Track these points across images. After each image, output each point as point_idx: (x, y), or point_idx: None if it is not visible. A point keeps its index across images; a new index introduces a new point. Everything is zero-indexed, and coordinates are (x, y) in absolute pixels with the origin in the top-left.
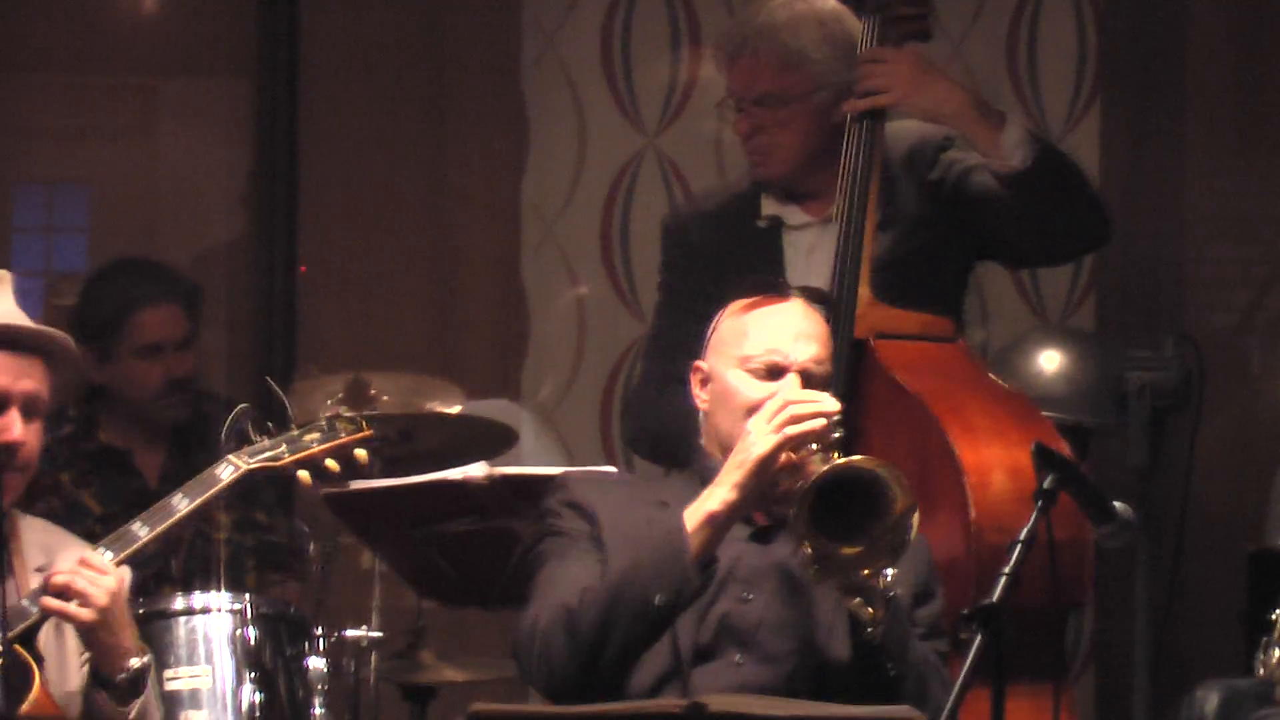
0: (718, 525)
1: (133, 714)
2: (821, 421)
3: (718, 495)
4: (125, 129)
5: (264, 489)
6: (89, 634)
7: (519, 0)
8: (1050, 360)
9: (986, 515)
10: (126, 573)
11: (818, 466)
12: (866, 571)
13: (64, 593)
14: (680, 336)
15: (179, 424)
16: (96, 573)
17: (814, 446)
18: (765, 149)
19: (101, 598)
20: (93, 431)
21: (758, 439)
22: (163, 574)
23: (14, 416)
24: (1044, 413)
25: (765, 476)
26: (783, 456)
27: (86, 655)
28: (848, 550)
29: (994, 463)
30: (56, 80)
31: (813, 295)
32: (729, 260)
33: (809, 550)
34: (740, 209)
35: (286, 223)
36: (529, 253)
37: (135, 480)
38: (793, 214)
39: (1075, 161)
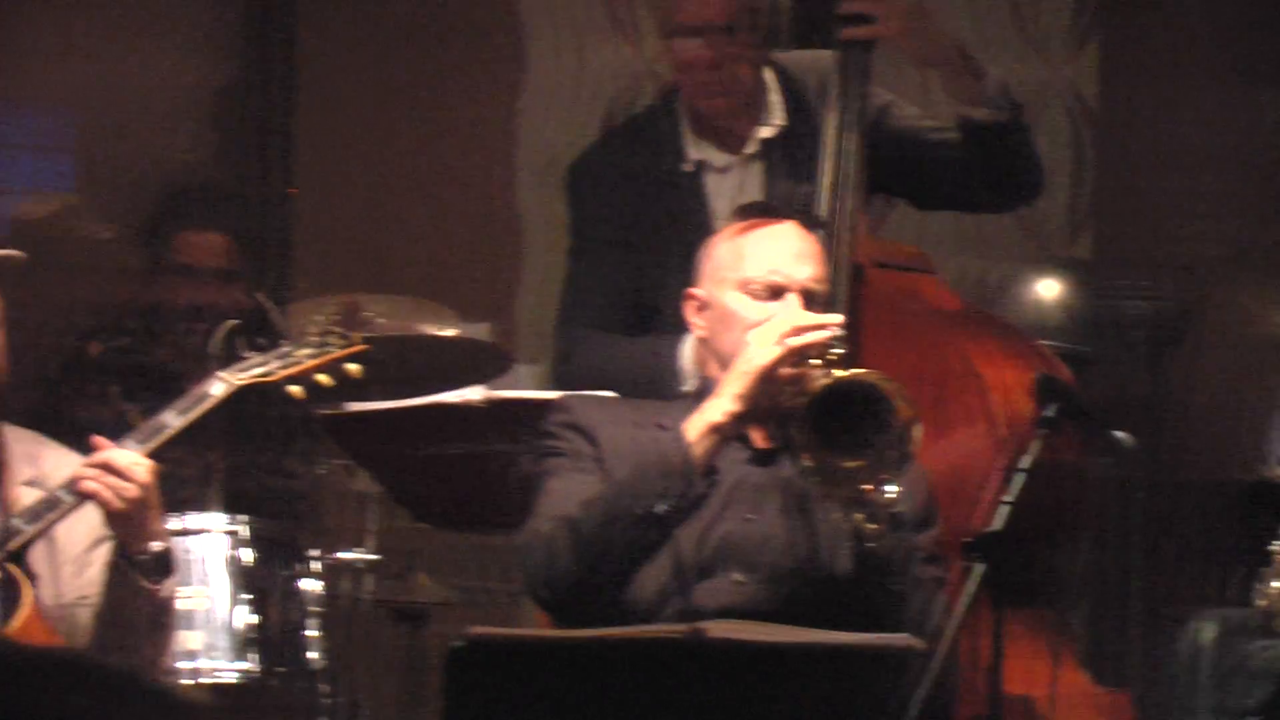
0: (719, 435)
1: (164, 591)
2: (824, 334)
3: (719, 405)
4: (116, 48)
5: (298, 436)
6: (112, 521)
7: None
8: (1048, 289)
9: (1013, 434)
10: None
11: (820, 380)
12: (869, 486)
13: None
14: (604, 288)
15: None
16: (121, 478)
17: (816, 361)
18: (728, 80)
19: (122, 505)
20: (150, 347)
21: (759, 350)
22: (198, 500)
23: None
24: (1043, 341)
25: (767, 388)
26: (785, 370)
27: (84, 557)
28: (850, 463)
29: (1014, 382)
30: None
31: (806, 219)
32: (651, 209)
33: (812, 464)
34: (659, 152)
35: (281, 143)
36: (525, 175)
37: None
38: (715, 155)
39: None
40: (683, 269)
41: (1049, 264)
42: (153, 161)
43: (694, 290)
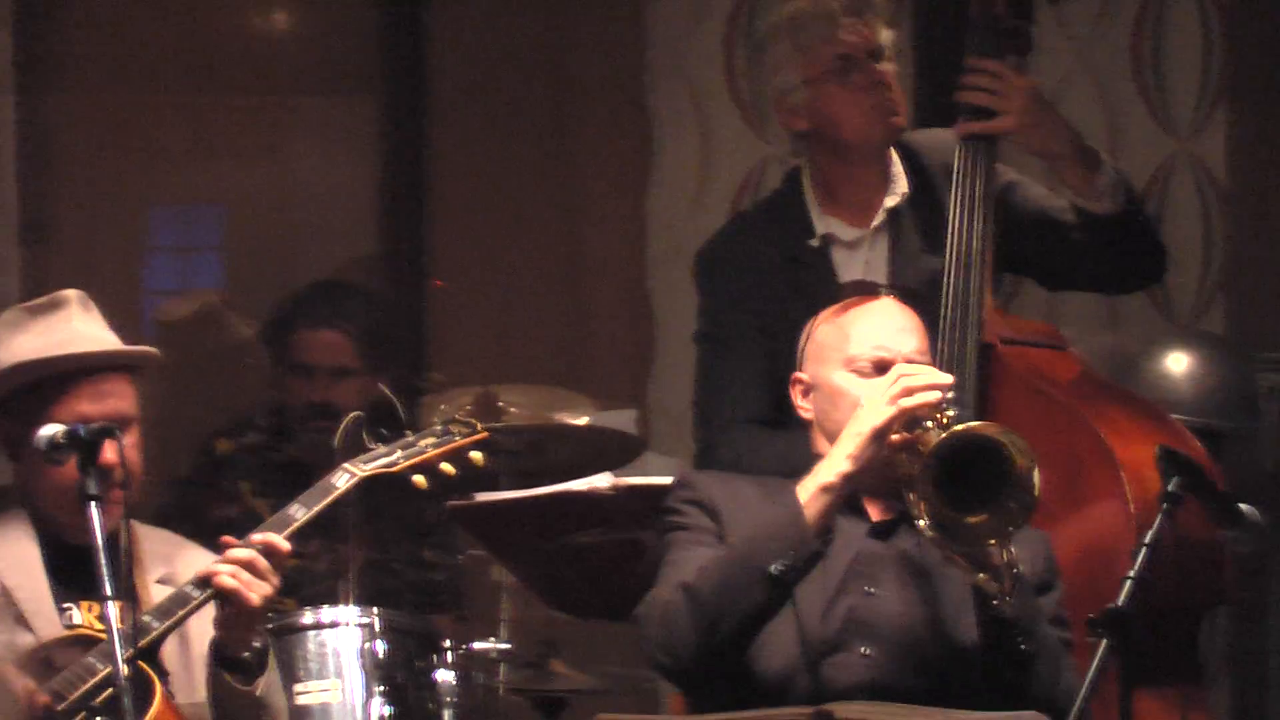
0: (832, 495)
1: (259, 690)
2: (936, 395)
3: (831, 466)
4: (258, 148)
5: (435, 527)
6: (234, 618)
7: (642, 12)
8: (1178, 362)
9: (1146, 510)
10: None
11: (936, 438)
12: (993, 542)
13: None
14: (741, 375)
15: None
16: (258, 578)
17: (929, 424)
18: (897, 101)
19: (256, 601)
20: (280, 444)
21: (872, 410)
22: (331, 594)
23: (117, 442)
24: (1173, 415)
25: (879, 449)
26: (898, 434)
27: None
28: (973, 519)
29: (1146, 459)
30: (189, 102)
31: (900, 293)
32: (781, 286)
33: (934, 522)
34: (787, 231)
35: (415, 238)
36: (655, 263)
37: None
38: (842, 229)
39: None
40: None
41: (1180, 338)
42: (297, 260)
43: (799, 374)
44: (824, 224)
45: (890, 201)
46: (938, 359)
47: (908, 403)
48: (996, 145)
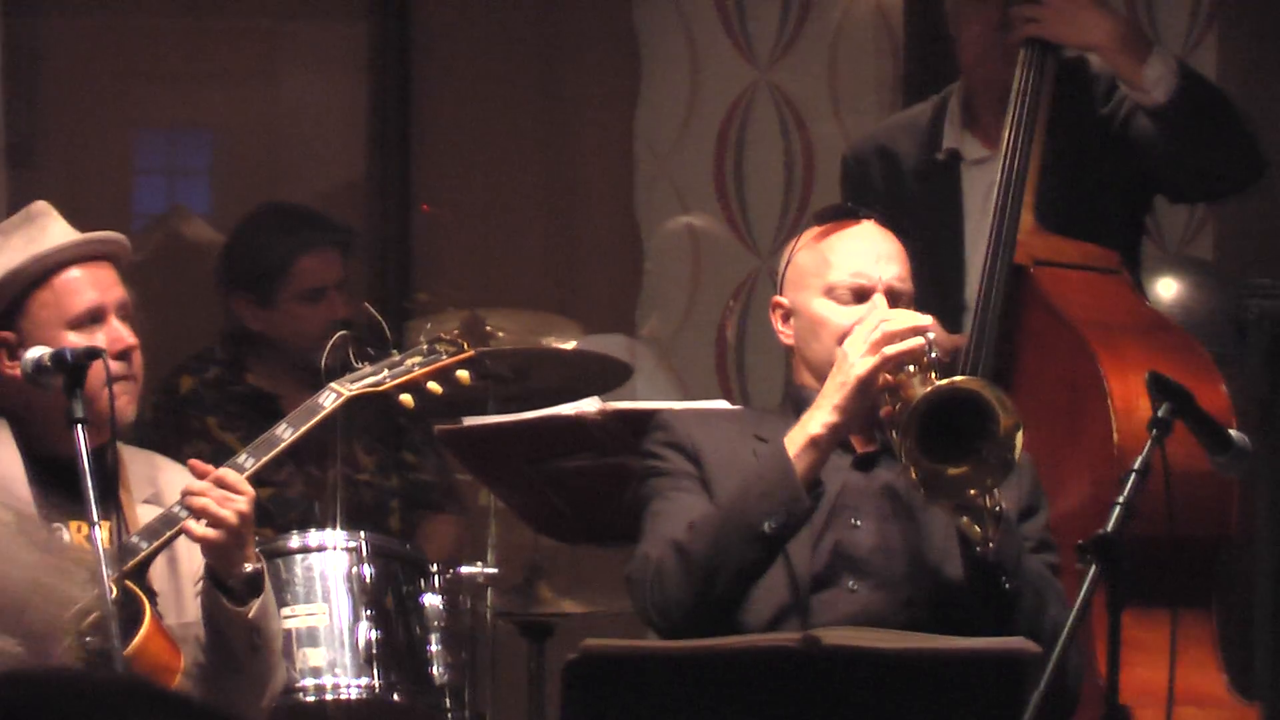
0: (820, 448)
1: (252, 613)
2: (919, 340)
3: (818, 418)
4: (245, 72)
5: (410, 428)
6: (212, 546)
7: None
8: (1167, 288)
9: (1131, 442)
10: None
11: (918, 389)
12: (974, 491)
13: (199, 514)
14: None
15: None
16: (230, 491)
17: (912, 368)
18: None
19: (232, 519)
20: (240, 375)
21: (856, 360)
22: (307, 518)
23: (117, 324)
24: None
25: (865, 398)
26: (881, 378)
27: (200, 566)
28: (954, 471)
29: (1142, 391)
30: (177, 25)
31: (880, 216)
32: (909, 196)
33: (916, 473)
34: (921, 143)
35: (402, 162)
36: (642, 188)
37: None
38: (972, 147)
39: (1226, 96)
40: (931, 258)
41: (1169, 263)
42: (285, 184)
43: (778, 298)
44: (956, 139)
45: None
46: (981, 277)
47: (891, 350)
48: (1052, 62)
